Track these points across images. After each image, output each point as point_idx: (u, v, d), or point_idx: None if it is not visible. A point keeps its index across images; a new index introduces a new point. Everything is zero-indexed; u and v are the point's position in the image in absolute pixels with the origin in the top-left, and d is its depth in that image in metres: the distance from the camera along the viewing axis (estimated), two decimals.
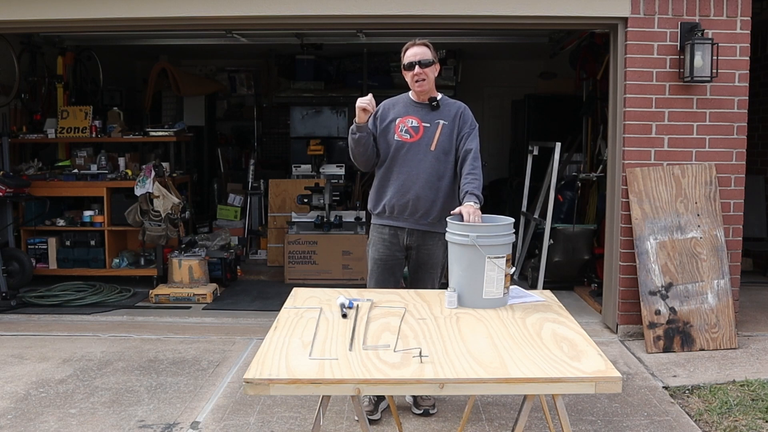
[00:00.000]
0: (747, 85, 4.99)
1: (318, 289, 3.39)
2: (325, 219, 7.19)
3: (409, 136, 3.62)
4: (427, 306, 3.10)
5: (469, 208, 3.30)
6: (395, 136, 3.63)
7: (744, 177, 5.06)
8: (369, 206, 3.81)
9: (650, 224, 4.92)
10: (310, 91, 9.47)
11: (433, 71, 3.60)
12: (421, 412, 3.77)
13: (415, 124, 3.63)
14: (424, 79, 3.58)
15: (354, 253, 7.02)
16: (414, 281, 3.74)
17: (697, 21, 4.89)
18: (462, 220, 3.25)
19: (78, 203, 7.09)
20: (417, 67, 3.55)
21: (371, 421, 3.59)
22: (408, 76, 3.62)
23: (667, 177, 4.97)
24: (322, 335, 2.70)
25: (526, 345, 2.58)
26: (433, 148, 3.60)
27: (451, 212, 3.32)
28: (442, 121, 3.62)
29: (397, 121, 3.65)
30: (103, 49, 8.33)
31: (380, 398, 3.66)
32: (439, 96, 3.69)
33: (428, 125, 3.62)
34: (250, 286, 6.92)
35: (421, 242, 3.67)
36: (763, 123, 7.36)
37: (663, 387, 4.18)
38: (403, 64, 3.61)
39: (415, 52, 3.58)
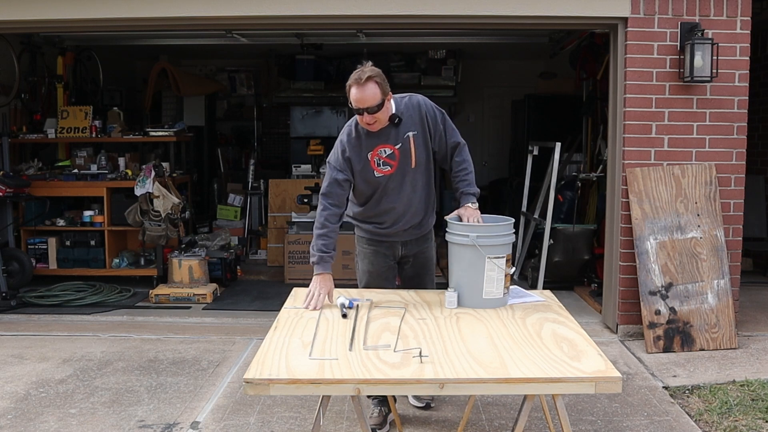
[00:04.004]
0: (747, 85, 4.99)
1: None
2: None
3: (389, 168, 3.34)
4: (427, 306, 3.10)
5: (468, 210, 3.29)
6: (375, 172, 3.34)
7: (744, 177, 5.05)
8: (355, 221, 3.60)
9: (650, 224, 4.92)
10: (310, 91, 9.45)
11: (384, 112, 3.21)
12: (422, 405, 3.79)
13: (389, 152, 3.32)
14: (375, 122, 3.22)
15: (354, 253, 6.99)
16: (414, 285, 3.60)
17: (697, 21, 4.89)
18: (460, 221, 3.24)
19: (78, 203, 7.08)
20: (366, 114, 3.17)
21: None
22: (357, 117, 3.26)
23: (667, 177, 4.97)
24: (322, 335, 2.70)
25: (526, 345, 2.58)
26: (413, 165, 3.35)
27: (446, 217, 3.28)
28: (410, 133, 3.32)
29: (370, 156, 3.33)
30: (103, 49, 8.32)
31: (389, 411, 3.57)
32: (394, 107, 3.30)
33: (400, 144, 3.32)
34: (250, 286, 6.91)
35: (417, 249, 3.56)
36: (763, 123, 7.35)
37: (663, 387, 4.18)
38: (350, 104, 3.22)
39: (360, 97, 3.12)
